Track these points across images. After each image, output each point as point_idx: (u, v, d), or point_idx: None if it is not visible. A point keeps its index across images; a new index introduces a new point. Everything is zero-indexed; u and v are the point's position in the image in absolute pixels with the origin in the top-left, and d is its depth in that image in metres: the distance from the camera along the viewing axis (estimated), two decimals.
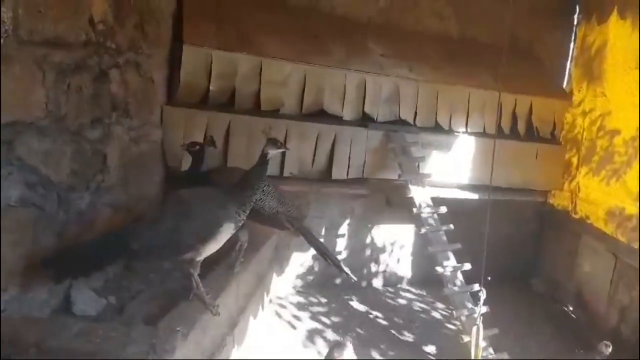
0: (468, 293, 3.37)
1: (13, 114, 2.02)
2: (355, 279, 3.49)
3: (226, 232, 2.42)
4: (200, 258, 2.46)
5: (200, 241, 2.37)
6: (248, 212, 2.48)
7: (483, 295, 2.86)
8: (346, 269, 2.90)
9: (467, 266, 3.45)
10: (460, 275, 3.47)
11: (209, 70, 3.53)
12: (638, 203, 4.04)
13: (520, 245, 5.17)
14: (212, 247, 2.43)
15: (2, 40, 1.87)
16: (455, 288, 3.36)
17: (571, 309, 4.58)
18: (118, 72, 2.78)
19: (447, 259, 3.47)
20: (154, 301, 2.73)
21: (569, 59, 5.33)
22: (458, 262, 3.56)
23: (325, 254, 3.03)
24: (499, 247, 4.97)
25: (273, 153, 2.52)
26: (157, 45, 3.27)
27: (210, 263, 2.90)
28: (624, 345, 3.73)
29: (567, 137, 5.14)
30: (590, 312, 4.28)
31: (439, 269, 3.40)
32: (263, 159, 2.50)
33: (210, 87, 3.55)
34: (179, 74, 3.44)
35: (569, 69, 5.32)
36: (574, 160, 5.10)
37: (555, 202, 5.24)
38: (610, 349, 3.10)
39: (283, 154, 3.73)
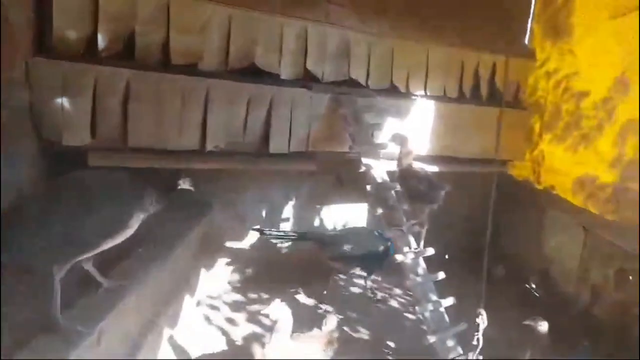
0: (432, 283, 2.79)
1: None
2: None
3: (136, 224, 1.98)
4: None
5: (104, 238, 1.88)
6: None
7: (483, 322, 2.51)
8: None
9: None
10: (422, 263, 2.88)
11: (96, 10, 2.63)
12: (615, 171, 3.66)
13: (479, 221, 4.72)
14: (116, 242, 1.95)
15: None
16: (418, 278, 2.78)
17: (536, 289, 4.20)
18: None
19: (407, 244, 2.87)
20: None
21: (530, 14, 4.84)
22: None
23: None
24: (456, 224, 4.55)
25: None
26: None
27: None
28: (597, 328, 3.36)
29: (528, 101, 4.69)
30: (558, 293, 3.89)
31: (399, 257, 2.79)
32: None
33: (99, 33, 2.65)
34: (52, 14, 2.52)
35: (530, 26, 4.83)
36: (536, 126, 4.69)
37: (516, 173, 4.83)
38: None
39: (204, 119, 2.98)
